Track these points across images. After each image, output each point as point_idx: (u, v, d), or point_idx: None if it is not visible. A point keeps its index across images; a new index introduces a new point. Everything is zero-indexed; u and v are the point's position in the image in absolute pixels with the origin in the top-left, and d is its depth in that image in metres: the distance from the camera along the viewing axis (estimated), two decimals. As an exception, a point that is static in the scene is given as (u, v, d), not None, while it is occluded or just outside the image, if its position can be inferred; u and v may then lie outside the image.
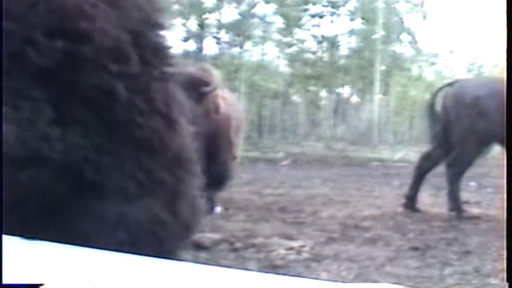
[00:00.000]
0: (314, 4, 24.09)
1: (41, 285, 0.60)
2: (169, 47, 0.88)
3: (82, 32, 0.72)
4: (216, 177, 5.85)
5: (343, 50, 25.39)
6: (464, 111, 5.86)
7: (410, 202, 6.03)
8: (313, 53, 25.32)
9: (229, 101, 5.96)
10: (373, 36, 24.06)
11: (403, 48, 25.83)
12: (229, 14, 23.42)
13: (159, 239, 0.88)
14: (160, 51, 0.83)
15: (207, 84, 5.43)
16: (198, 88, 5.29)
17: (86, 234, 0.76)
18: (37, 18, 0.70)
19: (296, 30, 24.67)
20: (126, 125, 0.76)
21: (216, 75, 5.79)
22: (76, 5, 0.72)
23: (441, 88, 6.50)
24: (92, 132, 0.74)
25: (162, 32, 0.87)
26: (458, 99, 5.98)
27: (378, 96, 24.42)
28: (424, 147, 6.58)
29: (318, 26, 24.68)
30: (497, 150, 6.23)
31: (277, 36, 24.68)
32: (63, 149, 0.71)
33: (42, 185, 0.73)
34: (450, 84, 6.41)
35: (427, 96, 6.42)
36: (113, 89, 0.73)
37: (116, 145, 0.77)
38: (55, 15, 0.71)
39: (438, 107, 6.21)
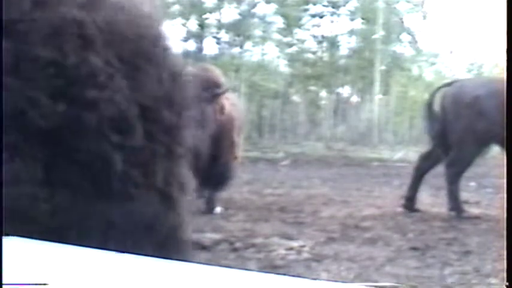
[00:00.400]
0: (314, 4, 24.11)
1: (41, 285, 0.60)
2: (183, 126, 0.88)
3: (89, 99, 0.72)
4: (218, 178, 5.85)
5: (343, 50, 25.42)
6: (464, 111, 5.86)
7: (410, 203, 6.02)
8: (313, 53, 25.34)
9: (232, 101, 5.96)
10: (373, 36, 24.08)
11: (403, 48, 25.84)
12: (229, 14, 23.45)
13: None
14: (171, 130, 0.83)
15: (218, 85, 5.46)
16: (211, 89, 5.32)
17: None
18: (45, 81, 0.70)
19: (296, 30, 24.68)
20: (119, 196, 0.76)
21: (221, 76, 5.82)
22: (90, 73, 0.72)
23: (439, 88, 6.50)
24: (82, 198, 0.74)
25: (178, 111, 0.87)
26: (457, 99, 5.98)
27: (378, 96, 24.43)
28: (424, 147, 6.57)
29: (318, 26, 24.70)
30: (497, 150, 6.22)
31: (277, 36, 24.69)
32: (50, 210, 0.71)
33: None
34: (449, 84, 6.40)
35: (427, 96, 6.41)
36: (110, 159, 0.73)
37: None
38: (65, 80, 0.71)
39: (437, 107, 6.21)
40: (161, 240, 0.88)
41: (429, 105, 6.27)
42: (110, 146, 0.74)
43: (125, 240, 0.79)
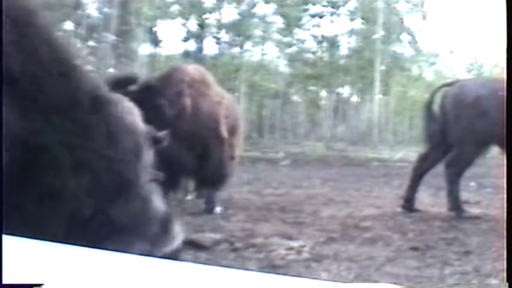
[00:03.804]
0: (314, 4, 24.11)
1: (41, 285, 0.60)
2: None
3: None
4: (212, 177, 5.87)
5: (343, 50, 25.42)
6: (465, 112, 5.84)
7: (408, 203, 6.01)
8: (313, 53, 25.33)
9: (215, 99, 5.92)
10: (373, 36, 24.08)
11: (403, 48, 25.84)
12: (229, 14, 23.45)
13: None
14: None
15: (178, 85, 5.51)
16: (170, 89, 5.40)
17: None
18: None
19: (296, 30, 24.68)
20: None
21: (194, 74, 5.82)
22: None
23: (439, 88, 6.48)
24: None
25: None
26: (458, 100, 5.96)
27: (378, 96, 24.43)
28: (424, 148, 6.56)
29: (318, 26, 24.70)
30: (497, 150, 6.22)
31: (277, 36, 24.69)
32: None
33: None
34: (449, 84, 6.38)
35: (427, 96, 6.40)
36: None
37: None
38: None
39: (436, 107, 6.19)
40: None
41: (429, 105, 6.26)
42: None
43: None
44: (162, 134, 1.36)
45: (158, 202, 1.04)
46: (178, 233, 1.09)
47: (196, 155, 5.68)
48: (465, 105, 5.86)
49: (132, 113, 1.08)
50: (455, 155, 5.87)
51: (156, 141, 1.10)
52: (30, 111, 0.79)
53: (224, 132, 5.92)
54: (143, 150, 1.00)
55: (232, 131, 6.21)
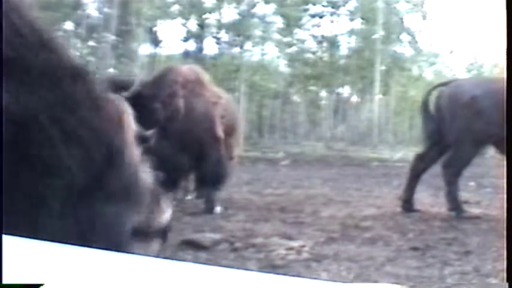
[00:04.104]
0: (314, 4, 24.11)
1: (41, 285, 0.60)
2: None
3: None
4: (210, 177, 5.87)
5: (343, 50, 25.41)
6: (460, 111, 5.84)
7: (407, 204, 6.00)
8: (313, 53, 25.33)
9: (210, 100, 5.92)
10: (373, 36, 24.07)
11: (403, 48, 25.83)
12: (229, 14, 23.44)
13: None
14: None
15: (172, 87, 5.53)
16: (163, 90, 5.42)
17: None
18: None
19: (296, 30, 24.68)
20: None
21: (188, 74, 5.83)
22: None
23: (435, 87, 6.50)
24: None
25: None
26: (453, 99, 5.97)
27: (378, 96, 24.43)
28: (421, 148, 6.55)
29: (318, 26, 24.70)
30: (495, 150, 6.22)
31: (277, 36, 24.69)
32: None
33: None
34: (444, 84, 6.39)
35: (436, 95, 6.37)
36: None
37: None
38: None
39: (433, 106, 6.19)
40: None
41: (424, 104, 6.26)
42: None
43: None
44: (149, 132, 1.36)
45: (146, 175, 1.06)
46: (168, 207, 1.10)
47: (192, 156, 5.70)
48: (460, 105, 5.86)
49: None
50: (452, 155, 5.87)
51: (143, 140, 1.11)
52: (14, 84, 0.80)
53: (220, 132, 5.92)
54: (127, 119, 1.01)
55: (230, 131, 6.21)
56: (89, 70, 0.97)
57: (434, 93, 6.28)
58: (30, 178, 0.79)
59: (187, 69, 6.08)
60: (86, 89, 0.90)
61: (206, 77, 6.20)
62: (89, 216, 0.85)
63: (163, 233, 1.07)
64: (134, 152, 1.01)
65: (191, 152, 5.66)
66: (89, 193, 0.85)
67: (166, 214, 1.07)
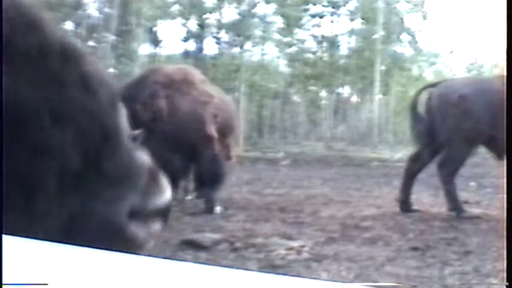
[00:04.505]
0: (314, 4, 24.13)
1: (45, 284, 0.60)
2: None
3: None
4: (206, 176, 5.86)
5: (343, 50, 25.45)
6: (450, 111, 5.86)
7: (405, 205, 6.00)
8: (313, 53, 25.36)
9: (200, 99, 5.90)
10: (373, 36, 24.10)
11: (403, 48, 25.86)
12: (229, 14, 23.47)
13: None
14: None
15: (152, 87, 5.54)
16: (144, 91, 5.44)
17: None
18: None
19: (296, 30, 24.71)
20: None
21: (172, 74, 5.83)
22: None
23: (424, 88, 6.55)
24: None
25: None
26: (443, 100, 5.99)
27: (378, 96, 24.45)
28: (414, 148, 6.54)
29: (318, 26, 24.74)
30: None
31: (277, 36, 24.71)
32: None
33: None
34: (434, 85, 6.43)
35: (427, 96, 6.40)
36: None
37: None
38: None
39: (422, 107, 6.22)
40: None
41: (413, 105, 6.29)
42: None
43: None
44: (135, 132, 1.36)
45: (142, 155, 1.05)
46: (167, 187, 1.09)
47: (184, 156, 5.67)
48: (450, 104, 5.88)
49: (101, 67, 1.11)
50: (445, 155, 5.88)
51: (132, 139, 1.11)
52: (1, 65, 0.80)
53: (213, 131, 5.85)
54: (119, 101, 1.01)
55: (225, 130, 6.17)
56: (82, 50, 0.96)
57: (425, 94, 6.33)
58: (22, 161, 0.79)
59: (174, 69, 6.03)
60: (77, 69, 0.90)
61: (197, 77, 6.15)
62: (85, 199, 0.85)
63: (163, 213, 1.06)
64: (128, 133, 1.01)
65: (182, 152, 5.63)
66: (85, 175, 0.85)
67: (166, 194, 1.07)
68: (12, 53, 0.79)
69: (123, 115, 0.99)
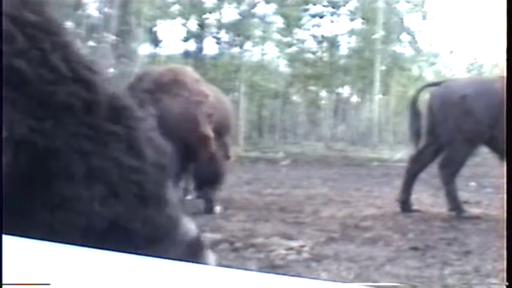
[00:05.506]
0: (314, 4, 24.13)
1: (47, 284, 0.60)
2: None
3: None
4: (204, 176, 5.85)
5: (343, 50, 25.46)
6: (451, 111, 5.86)
7: (405, 205, 6.00)
8: (313, 53, 25.36)
9: (193, 99, 5.86)
10: (373, 36, 24.09)
11: (403, 48, 25.87)
12: (229, 14, 23.47)
13: None
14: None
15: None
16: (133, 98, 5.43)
17: None
18: None
19: (296, 30, 24.71)
20: None
21: (162, 76, 5.79)
22: None
23: (424, 87, 6.54)
24: None
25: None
26: (444, 99, 5.99)
27: (378, 96, 24.44)
28: (415, 149, 6.53)
29: (318, 26, 24.74)
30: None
31: (277, 36, 24.72)
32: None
33: None
34: (435, 84, 6.42)
35: (427, 96, 6.41)
36: None
37: None
38: None
39: (424, 107, 6.22)
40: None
41: (413, 102, 6.28)
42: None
43: None
44: None
45: (188, 223, 0.98)
46: (211, 261, 1.01)
47: (179, 157, 5.63)
48: (450, 104, 5.88)
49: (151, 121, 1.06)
50: (446, 155, 5.88)
51: None
52: (37, 110, 0.79)
53: (208, 131, 5.79)
54: (168, 163, 0.96)
55: (222, 129, 6.14)
56: (127, 103, 0.93)
57: (426, 95, 6.33)
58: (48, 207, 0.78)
59: (162, 71, 5.91)
60: (122, 125, 0.88)
61: (189, 76, 6.06)
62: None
63: None
64: (172, 196, 0.96)
65: (178, 154, 5.59)
66: (112, 237, 0.81)
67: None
68: (54, 100, 0.77)
69: (171, 175, 0.95)
